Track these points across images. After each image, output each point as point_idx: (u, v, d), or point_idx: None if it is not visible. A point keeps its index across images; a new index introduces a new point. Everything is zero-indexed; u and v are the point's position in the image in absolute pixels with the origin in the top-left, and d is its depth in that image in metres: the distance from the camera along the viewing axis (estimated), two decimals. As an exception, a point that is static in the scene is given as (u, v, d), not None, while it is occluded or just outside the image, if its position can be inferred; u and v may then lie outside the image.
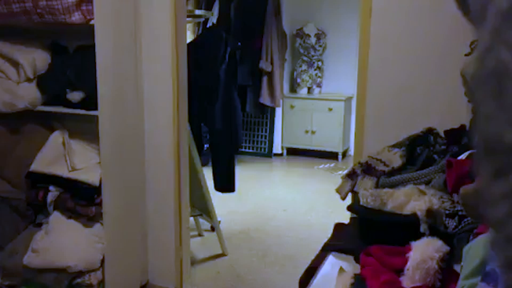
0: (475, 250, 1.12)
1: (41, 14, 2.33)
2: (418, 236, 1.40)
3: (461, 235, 1.40)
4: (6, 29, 2.55)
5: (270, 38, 5.52)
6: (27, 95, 2.47)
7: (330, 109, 5.92)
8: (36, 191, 2.50)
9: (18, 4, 2.32)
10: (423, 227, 1.46)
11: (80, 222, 2.48)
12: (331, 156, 6.04)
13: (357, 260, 1.51)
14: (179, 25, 2.70)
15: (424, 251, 1.30)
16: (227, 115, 3.61)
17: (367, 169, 2.03)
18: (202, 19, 4.66)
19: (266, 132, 6.23)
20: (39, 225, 2.57)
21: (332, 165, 5.87)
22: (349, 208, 1.80)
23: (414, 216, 1.49)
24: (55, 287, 2.40)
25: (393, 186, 1.81)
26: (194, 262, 3.30)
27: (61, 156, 2.51)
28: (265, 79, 5.60)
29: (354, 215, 1.81)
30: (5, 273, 2.52)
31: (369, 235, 1.58)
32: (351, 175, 2.09)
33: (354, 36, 5.51)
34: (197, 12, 4.12)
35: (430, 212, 1.48)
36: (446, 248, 1.31)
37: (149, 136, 2.79)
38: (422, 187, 1.66)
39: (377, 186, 1.89)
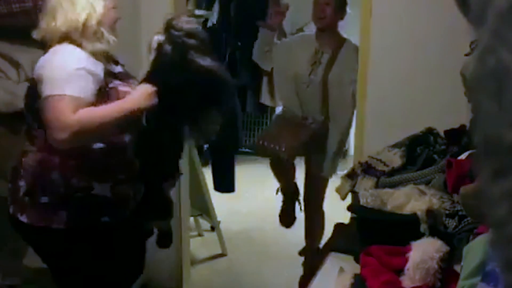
0: (475, 250, 1.12)
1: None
2: (418, 236, 1.40)
3: (461, 235, 1.40)
4: (6, 29, 2.55)
5: (270, 38, 5.51)
6: (27, 95, 2.47)
7: (330, 109, 5.91)
8: (36, 191, 2.50)
9: (18, 4, 2.32)
10: (423, 227, 1.46)
11: (80, 222, 2.48)
12: (331, 156, 6.03)
13: (357, 260, 1.51)
14: (179, 25, 2.69)
15: (424, 251, 1.30)
16: (227, 115, 3.61)
17: (367, 169, 2.03)
18: (202, 19, 4.65)
19: (266, 132, 6.22)
20: (39, 225, 2.57)
21: (332, 165, 5.86)
22: (349, 208, 1.80)
23: (414, 216, 1.49)
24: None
25: (393, 186, 1.81)
26: (194, 262, 3.29)
27: (61, 156, 2.51)
28: (265, 79, 5.60)
29: (354, 215, 1.81)
30: (5, 273, 2.52)
31: (369, 235, 1.58)
32: (351, 175, 2.09)
33: (354, 36, 5.49)
34: (197, 12, 4.12)
35: (430, 212, 1.48)
36: (446, 248, 1.31)
37: (149, 136, 2.79)
38: (422, 187, 1.66)
39: (377, 186, 1.89)
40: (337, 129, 2.77)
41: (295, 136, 2.73)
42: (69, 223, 1.65)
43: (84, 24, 1.63)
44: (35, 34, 1.71)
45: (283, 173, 3.07)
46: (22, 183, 1.68)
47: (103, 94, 1.63)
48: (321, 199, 3.00)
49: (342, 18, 2.79)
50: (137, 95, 1.61)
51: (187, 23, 1.70)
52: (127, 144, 1.71)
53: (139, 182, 1.81)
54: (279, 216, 3.18)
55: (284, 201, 3.17)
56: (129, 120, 1.62)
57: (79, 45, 1.64)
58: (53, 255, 1.78)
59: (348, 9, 2.81)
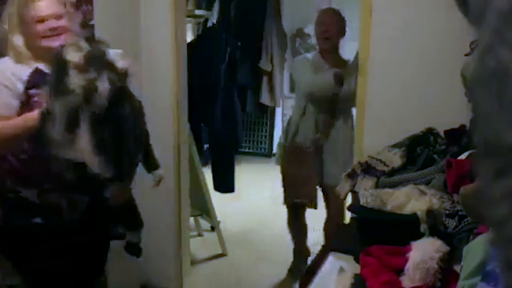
0: (475, 250, 1.12)
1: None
2: (418, 236, 1.40)
3: (461, 235, 1.40)
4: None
5: (270, 38, 5.52)
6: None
7: (330, 109, 5.91)
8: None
9: (18, 4, 2.32)
10: (423, 227, 1.46)
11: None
12: (331, 156, 6.03)
13: (357, 260, 1.51)
14: (179, 25, 2.70)
15: (424, 251, 1.29)
16: (227, 115, 3.61)
17: (367, 169, 2.03)
18: (202, 19, 4.66)
19: (266, 132, 6.23)
20: (39, 225, 2.57)
21: (332, 165, 5.85)
22: (349, 208, 1.80)
23: (414, 216, 1.49)
24: (55, 287, 2.41)
25: (393, 186, 1.81)
26: (194, 262, 3.30)
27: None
28: (265, 79, 5.60)
29: (354, 215, 1.81)
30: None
31: (369, 235, 1.58)
32: (351, 175, 2.09)
33: (354, 36, 5.48)
34: (197, 12, 4.12)
35: (430, 212, 1.48)
36: (446, 248, 1.31)
37: (149, 136, 2.79)
38: (422, 187, 1.66)
39: (377, 186, 1.89)
40: (345, 141, 2.82)
41: (309, 178, 2.89)
42: (4, 221, 1.78)
43: (7, 37, 1.73)
44: None
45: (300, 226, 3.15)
46: None
47: (26, 107, 1.71)
48: (343, 211, 2.97)
49: (343, 36, 2.92)
50: (30, 114, 1.68)
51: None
52: (50, 157, 1.71)
53: (76, 193, 1.84)
54: (288, 271, 3.19)
55: (293, 260, 3.19)
56: (28, 136, 1.68)
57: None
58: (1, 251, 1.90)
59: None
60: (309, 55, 3.07)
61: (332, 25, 2.83)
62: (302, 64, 2.99)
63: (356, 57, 2.64)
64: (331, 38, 2.84)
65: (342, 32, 2.91)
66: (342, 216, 3.01)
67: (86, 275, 2.01)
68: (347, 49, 3.12)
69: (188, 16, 3.62)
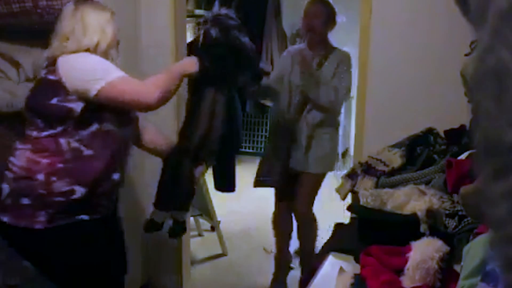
0: (475, 250, 1.12)
1: (41, 14, 2.32)
2: (418, 236, 1.40)
3: (461, 235, 1.40)
4: (6, 29, 2.55)
5: (270, 38, 5.52)
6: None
7: (330, 109, 5.91)
8: (36, 191, 2.51)
9: (18, 4, 2.32)
10: (423, 227, 1.46)
11: (80, 222, 2.48)
12: (331, 156, 6.02)
13: (357, 260, 1.51)
14: (179, 25, 2.70)
15: (424, 251, 1.30)
16: (227, 115, 3.60)
17: (367, 169, 2.03)
18: (202, 19, 4.66)
19: (266, 132, 6.23)
20: (39, 225, 2.57)
21: (332, 165, 5.85)
22: (349, 208, 1.80)
23: (414, 216, 1.49)
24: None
25: (393, 186, 1.81)
26: (194, 262, 3.30)
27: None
28: (265, 79, 5.60)
29: (354, 215, 1.81)
30: (6, 273, 2.52)
31: (369, 235, 1.58)
32: (351, 175, 2.09)
33: (354, 36, 5.49)
34: (197, 12, 4.12)
35: (430, 212, 1.48)
36: (446, 248, 1.31)
37: (149, 136, 2.79)
38: (422, 187, 1.66)
39: (377, 186, 1.90)
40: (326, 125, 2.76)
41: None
42: (49, 222, 1.73)
43: (96, 47, 1.78)
44: (46, 53, 1.86)
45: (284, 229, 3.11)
46: None
47: None
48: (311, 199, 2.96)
49: (331, 29, 2.78)
50: (183, 63, 1.94)
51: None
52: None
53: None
54: (271, 283, 3.10)
55: (276, 270, 3.10)
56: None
57: None
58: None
59: (341, 18, 2.84)
60: (298, 46, 2.98)
61: (317, 18, 2.70)
62: (290, 55, 2.88)
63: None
64: (315, 31, 2.71)
65: (329, 24, 2.76)
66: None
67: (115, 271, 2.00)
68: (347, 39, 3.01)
69: (188, 16, 3.62)
